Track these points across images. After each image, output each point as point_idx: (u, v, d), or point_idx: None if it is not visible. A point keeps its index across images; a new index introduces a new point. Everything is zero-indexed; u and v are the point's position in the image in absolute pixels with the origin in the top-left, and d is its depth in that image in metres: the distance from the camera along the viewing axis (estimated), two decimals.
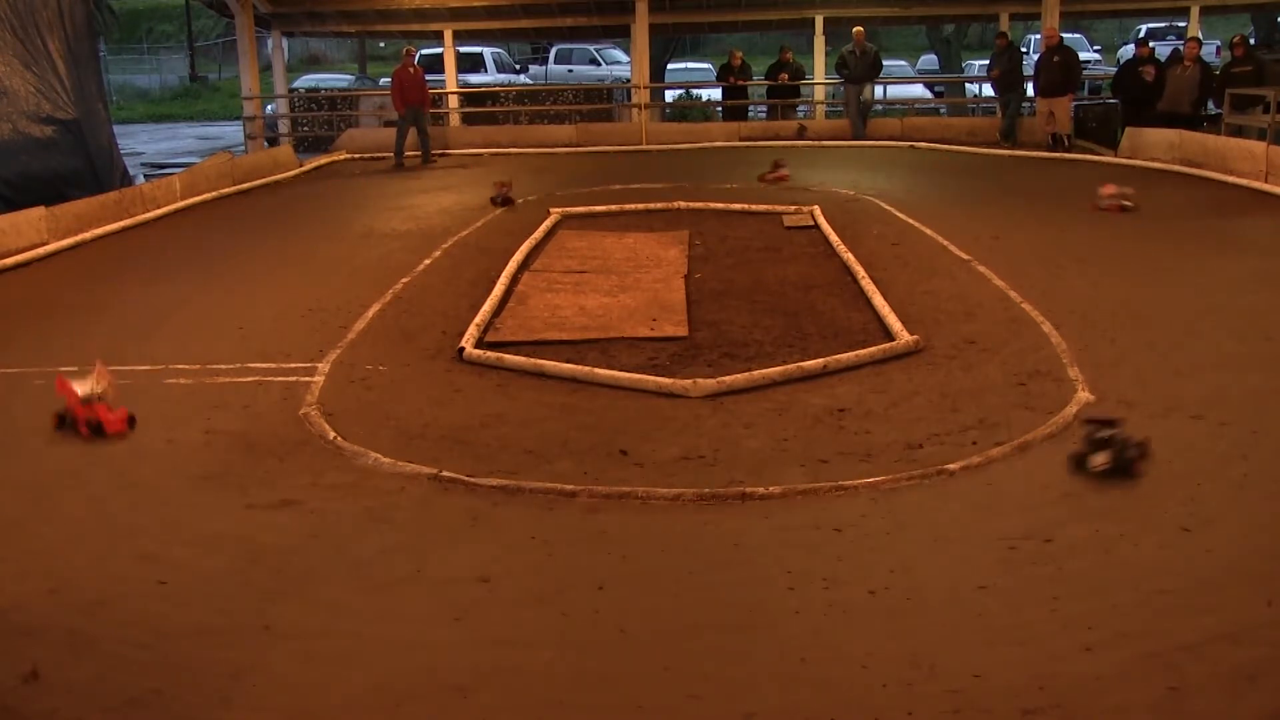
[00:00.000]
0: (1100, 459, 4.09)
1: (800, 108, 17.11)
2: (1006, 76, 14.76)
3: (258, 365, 5.80)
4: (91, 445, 4.74)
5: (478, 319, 6.42)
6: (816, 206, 9.75)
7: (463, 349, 5.91)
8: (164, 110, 29.81)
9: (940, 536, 3.76)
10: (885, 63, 17.75)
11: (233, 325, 6.58)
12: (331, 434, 4.80)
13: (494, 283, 7.27)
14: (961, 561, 3.56)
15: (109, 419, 4.80)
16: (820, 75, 18.11)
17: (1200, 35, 16.25)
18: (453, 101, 18.12)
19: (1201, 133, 12.00)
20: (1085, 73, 18.00)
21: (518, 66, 28.25)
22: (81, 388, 4.78)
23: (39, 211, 9.11)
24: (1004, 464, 4.34)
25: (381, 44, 31.44)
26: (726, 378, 5.34)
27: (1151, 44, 14.81)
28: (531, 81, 26.92)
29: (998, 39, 15.45)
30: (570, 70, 27.41)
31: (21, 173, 10.83)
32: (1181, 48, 13.50)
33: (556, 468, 4.44)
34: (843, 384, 5.35)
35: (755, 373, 5.42)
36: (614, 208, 10.27)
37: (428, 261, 8.20)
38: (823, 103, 17.68)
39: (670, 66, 24.87)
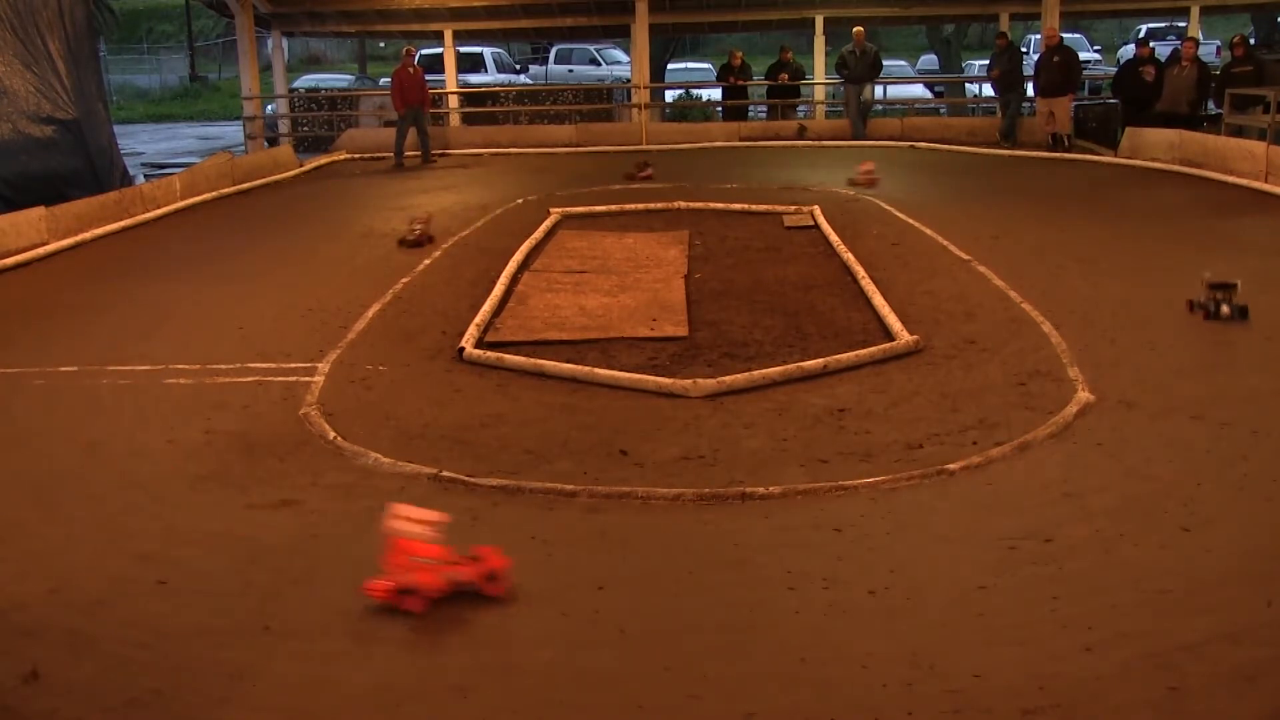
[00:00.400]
0: (1226, 309, 5.92)
1: (800, 108, 17.11)
2: (1006, 76, 14.75)
3: (258, 365, 5.80)
4: (91, 445, 4.74)
5: (478, 319, 6.42)
6: (816, 206, 9.75)
7: (463, 349, 5.91)
8: (164, 110, 29.81)
9: (940, 536, 3.76)
10: (885, 63, 17.75)
11: (233, 325, 6.58)
12: (331, 434, 4.80)
13: (494, 283, 7.27)
14: (961, 561, 3.56)
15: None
16: (820, 75, 18.11)
17: (1200, 35, 16.27)
18: (453, 101, 18.12)
19: (1201, 133, 12.00)
20: (1085, 73, 18.00)
21: (518, 66, 28.25)
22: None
23: (39, 211, 9.11)
24: (1004, 464, 4.34)
25: (381, 44, 31.44)
26: (726, 378, 5.34)
27: (1152, 44, 14.81)
28: (531, 81, 26.92)
29: (998, 39, 15.45)
30: (570, 70, 27.40)
31: (21, 173, 10.84)
32: (1180, 48, 13.49)
33: (556, 468, 4.44)
34: (843, 384, 5.35)
35: (755, 373, 5.42)
36: (614, 208, 10.27)
37: (428, 261, 8.20)
38: (823, 103, 17.68)
39: (670, 66, 24.87)
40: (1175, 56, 13.41)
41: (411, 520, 3.28)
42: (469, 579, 3.32)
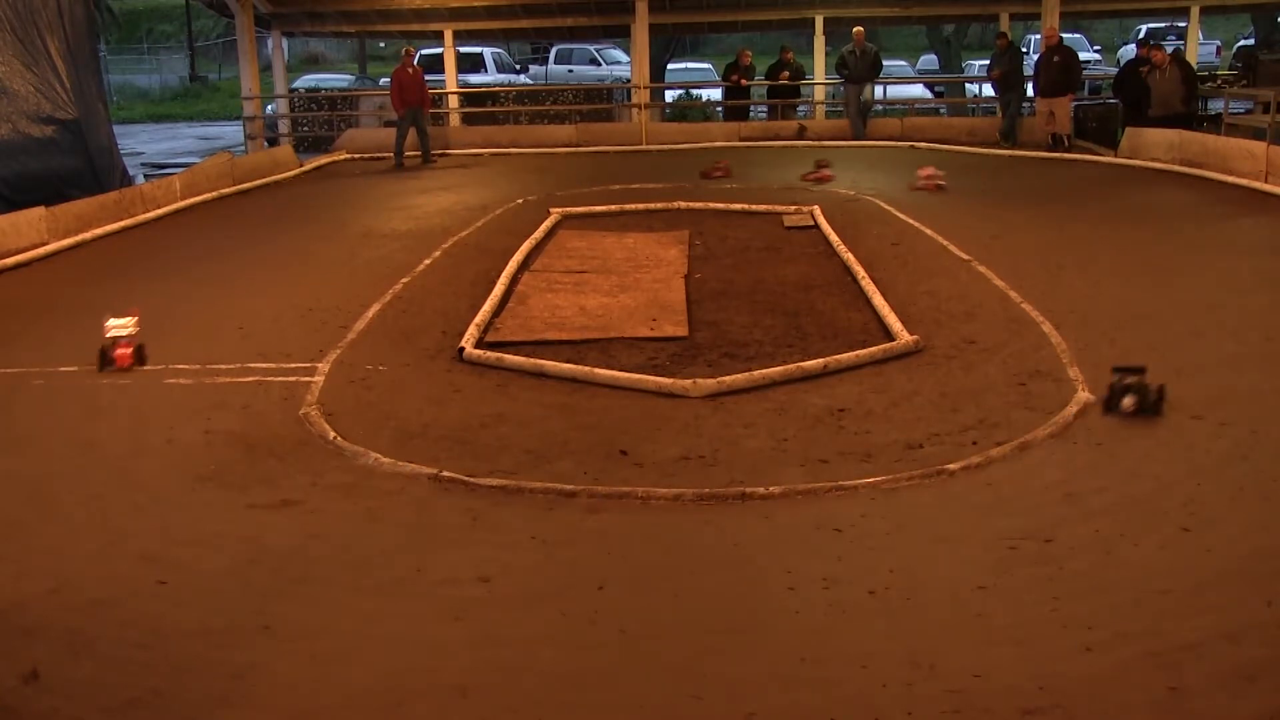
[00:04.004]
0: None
1: (800, 108, 17.11)
2: (1007, 77, 14.76)
3: (258, 365, 5.80)
4: (91, 445, 4.74)
5: (478, 319, 6.42)
6: (816, 206, 9.75)
7: (463, 349, 5.91)
8: (164, 110, 29.79)
9: (940, 536, 3.76)
10: (885, 63, 17.75)
11: (233, 325, 6.58)
12: (331, 434, 4.80)
13: (494, 283, 7.27)
14: (961, 561, 3.56)
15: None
16: (820, 75, 18.11)
17: (1201, 35, 16.23)
18: (453, 101, 18.12)
19: (1202, 133, 12.00)
20: (1085, 73, 18.00)
21: (518, 66, 28.23)
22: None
23: (39, 211, 9.11)
24: (1004, 464, 4.34)
25: (381, 44, 31.44)
26: (726, 378, 5.34)
27: (1153, 44, 14.79)
28: (531, 81, 26.91)
29: (998, 39, 15.45)
30: (570, 70, 27.39)
31: (21, 173, 10.84)
32: (1177, 46, 13.49)
33: (556, 468, 4.44)
34: (843, 384, 5.35)
35: (755, 373, 5.42)
36: (614, 208, 10.27)
37: (428, 261, 8.20)
38: (823, 103, 17.68)
39: (670, 66, 24.86)
40: (1153, 64, 13.38)
41: None
42: None
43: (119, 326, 5.80)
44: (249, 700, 2.89)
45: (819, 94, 17.76)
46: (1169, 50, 13.81)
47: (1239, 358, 5.46)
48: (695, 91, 21.41)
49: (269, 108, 18.70)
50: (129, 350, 5.77)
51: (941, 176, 11.13)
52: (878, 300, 6.63)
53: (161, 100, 31.53)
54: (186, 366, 5.79)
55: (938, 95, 20.90)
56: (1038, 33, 17.87)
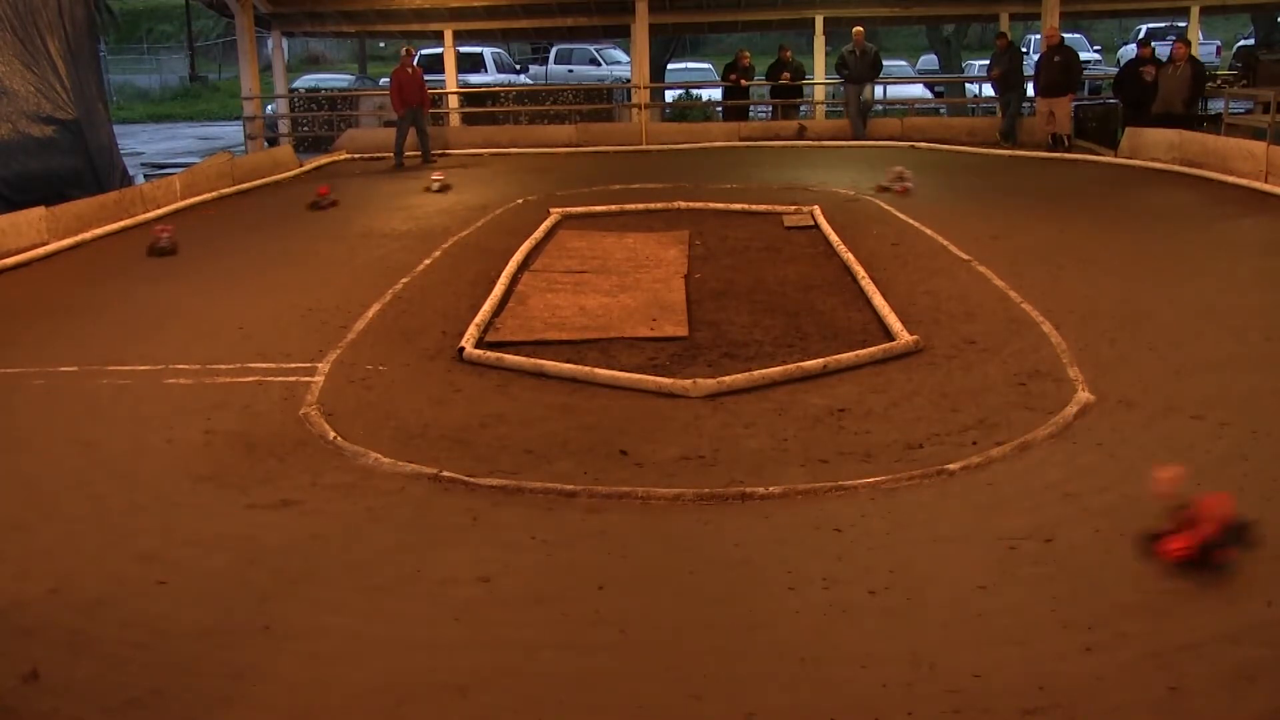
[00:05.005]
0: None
1: (801, 108, 17.11)
2: (1007, 76, 14.76)
3: (258, 365, 5.80)
4: (91, 445, 4.73)
5: (478, 319, 6.42)
6: (816, 206, 9.75)
7: (463, 349, 5.91)
8: (164, 110, 29.79)
9: (940, 536, 3.76)
10: (885, 63, 17.75)
11: (233, 325, 6.58)
12: (331, 434, 4.80)
13: (494, 283, 7.27)
14: (961, 561, 3.56)
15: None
16: (820, 75, 18.10)
17: (1200, 35, 16.23)
18: (453, 101, 18.12)
19: (1202, 133, 12.00)
20: (1085, 73, 18.00)
21: (518, 66, 28.23)
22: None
23: (39, 211, 9.11)
24: (1004, 464, 4.34)
25: (381, 44, 31.44)
26: (726, 378, 5.34)
27: (1153, 44, 14.81)
28: (531, 81, 26.91)
29: (998, 39, 15.45)
30: (570, 70, 27.39)
31: (21, 173, 10.83)
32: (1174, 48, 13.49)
33: (556, 468, 4.44)
34: (843, 384, 5.35)
35: (755, 373, 5.42)
36: (614, 208, 10.27)
37: (428, 261, 8.20)
38: (823, 103, 17.68)
39: (670, 66, 24.86)
40: (1170, 57, 13.42)
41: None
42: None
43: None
44: (249, 700, 2.89)
45: (819, 94, 17.76)
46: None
47: (1239, 358, 5.46)
48: (695, 91, 21.40)
49: (269, 108, 18.70)
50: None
51: (909, 179, 10.90)
52: (878, 300, 6.63)
53: (161, 100, 31.52)
54: (186, 366, 5.79)
55: (938, 95, 20.89)
56: (1038, 33, 17.87)
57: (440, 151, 15.12)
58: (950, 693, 2.82)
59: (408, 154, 14.44)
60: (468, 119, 18.15)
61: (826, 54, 18.36)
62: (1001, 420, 4.78)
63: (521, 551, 3.74)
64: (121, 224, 10.00)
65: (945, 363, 5.60)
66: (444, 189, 11.86)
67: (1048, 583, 3.37)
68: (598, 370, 5.53)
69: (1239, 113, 13.85)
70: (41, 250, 8.80)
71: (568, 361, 5.67)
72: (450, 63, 18.53)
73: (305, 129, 18.99)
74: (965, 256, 7.73)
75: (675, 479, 4.29)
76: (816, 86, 17.68)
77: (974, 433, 4.66)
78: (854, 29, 15.83)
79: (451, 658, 3.08)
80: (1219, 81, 16.71)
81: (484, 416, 5.06)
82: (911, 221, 9.16)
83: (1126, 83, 13.80)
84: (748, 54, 17.16)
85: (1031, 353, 5.64)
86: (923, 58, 28.24)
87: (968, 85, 21.60)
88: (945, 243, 8.22)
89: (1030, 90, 14.81)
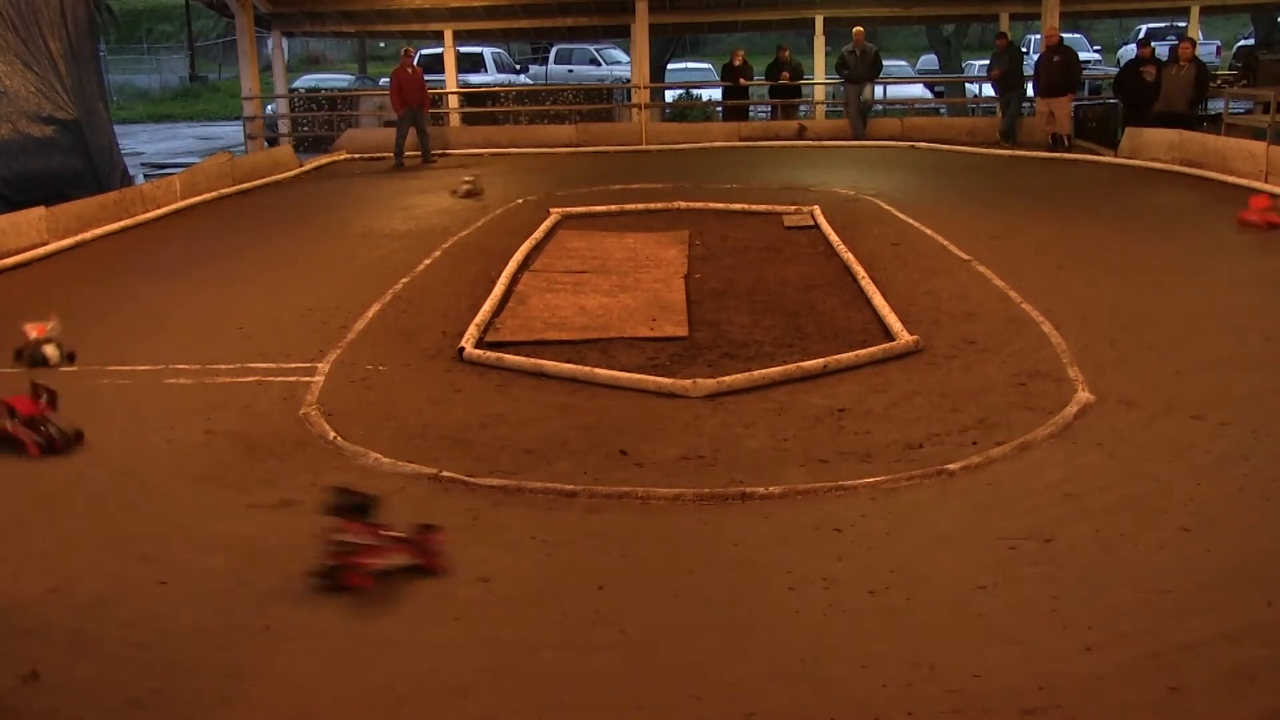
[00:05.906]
0: None
1: (801, 108, 17.11)
2: (1007, 76, 14.75)
3: (258, 365, 5.80)
4: (91, 445, 4.73)
5: (478, 319, 6.42)
6: (816, 206, 9.75)
7: (463, 349, 5.91)
8: (164, 110, 29.79)
9: (940, 536, 3.76)
10: (885, 63, 17.75)
11: (233, 325, 6.58)
12: (331, 434, 4.80)
13: (494, 283, 7.27)
14: (961, 561, 3.56)
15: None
16: (820, 75, 18.10)
17: (1200, 35, 16.23)
18: (453, 101, 18.12)
19: (1202, 133, 11.99)
20: (1085, 73, 17.99)
21: (518, 66, 28.23)
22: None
23: (39, 211, 9.11)
24: (1004, 464, 4.34)
25: (381, 44, 31.43)
26: (726, 378, 5.34)
27: (1153, 44, 14.81)
28: (531, 81, 26.91)
29: (998, 39, 15.45)
30: (570, 70, 27.38)
31: (21, 173, 10.83)
32: (1178, 47, 13.50)
33: (556, 468, 4.44)
34: (843, 384, 5.35)
35: (755, 373, 5.42)
36: (614, 208, 10.27)
37: (428, 261, 8.20)
38: (823, 103, 17.68)
39: (670, 66, 24.86)
40: (1174, 56, 13.43)
41: None
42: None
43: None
44: (249, 700, 2.89)
45: (819, 94, 17.76)
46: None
47: (1239, 358, 5.46)
48: (695, 91, 21.40)
49: (269, 108, 18.70)
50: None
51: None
52: (878, 300, 6.63)
53: (161, 100, 31.52)
54: (186, 366, 5.79)
55: (938, 95, 20.89)
56: (1038, 33, 17.87)
57: (440, 151, 15.12)
58: (950, 693, 2.82)
59: (407, 154, 14.44)
60: (468, 119, 18.14)
61: (826, 54, 18.36)
62: (1001, 420, 4.78)
63: (521, 551, 3.74)
64: (121, 224, 9.99)
65: (945, 363, 5.60)
66: (471, 194, 11.16)
67: (1047, 583, 3.37)
68: (598, 370, 5.53)
69: (1239, 113, 13.85)
70: (41, 250, 8.79)
71: (568, 361, 5.67)
72: (450, 63, 18.53)
73: (305, 129, 18.98)
74: (965, 256, 7.73)
75: (675, 479, 4.29)
76: (816, 86, 17.68)
77: (974, 433, 4.66)
78: (854, 29, 15.83)
79: (451, 658, 3.08)
80: (1219, 81, 16.70)
81: (484, 416, 5.06)
82: (911, 221, 9.16)
83: (1127, 83, 13.79)
84: (740, 53, 17.14)
85: (1031, 353, 5.64)
86: (923, 58, 28.24)
87: (968, 85, 21.59)
88: (945, 243, 8.22)
89: (1030, 90, 14.80)
